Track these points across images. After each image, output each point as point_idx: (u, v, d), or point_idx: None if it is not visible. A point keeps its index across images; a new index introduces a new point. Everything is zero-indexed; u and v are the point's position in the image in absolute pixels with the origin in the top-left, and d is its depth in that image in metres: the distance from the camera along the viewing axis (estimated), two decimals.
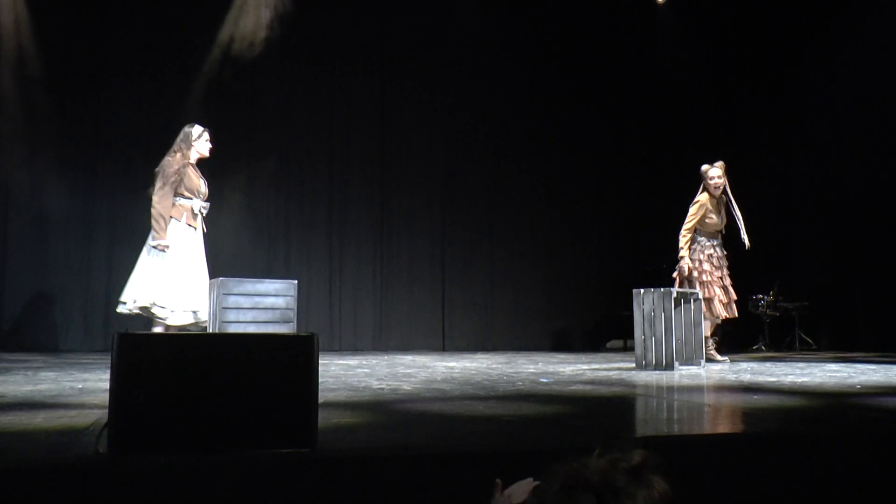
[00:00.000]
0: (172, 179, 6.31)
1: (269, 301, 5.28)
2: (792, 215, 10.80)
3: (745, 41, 11.10)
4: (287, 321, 5.27)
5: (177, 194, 6.35)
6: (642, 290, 6.51)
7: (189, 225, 6.28)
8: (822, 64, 10.41)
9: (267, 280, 5.55)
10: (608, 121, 10.97)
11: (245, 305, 5.22)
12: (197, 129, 6.61)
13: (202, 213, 6.49)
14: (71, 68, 8.94)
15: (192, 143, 6.51)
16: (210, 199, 6.80)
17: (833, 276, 10.17)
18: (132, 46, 9.10)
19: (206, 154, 6.63)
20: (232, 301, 5.16)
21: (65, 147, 8.85)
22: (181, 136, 6.59)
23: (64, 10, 8.97)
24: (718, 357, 7.16)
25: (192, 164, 6.52)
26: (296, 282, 5.56)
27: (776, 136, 11.00)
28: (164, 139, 9.09)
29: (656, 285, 9.81)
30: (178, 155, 6.47)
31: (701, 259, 7.25)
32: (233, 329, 5.02)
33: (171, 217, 6.23)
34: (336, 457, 2.43)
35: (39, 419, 3.10)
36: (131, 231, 8.94)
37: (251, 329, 5.08)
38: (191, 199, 6.37)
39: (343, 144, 10.07)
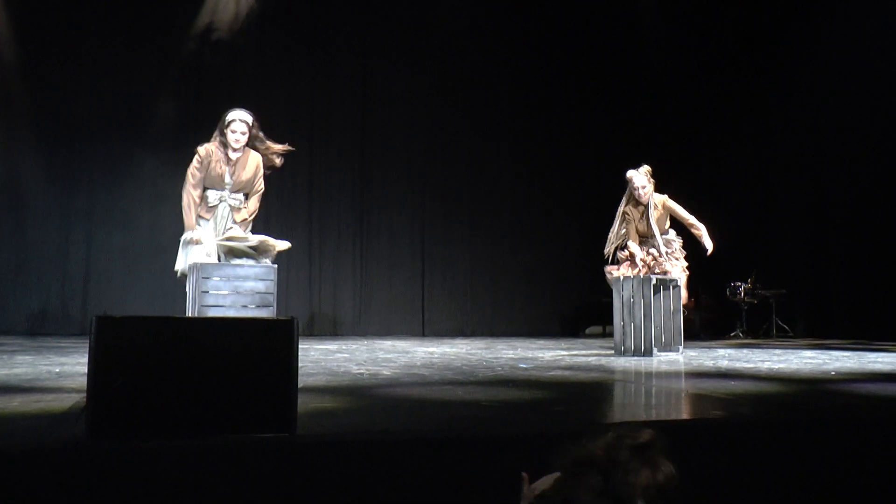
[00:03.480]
0: (190, 170, 5.82)
1: (249, 285, 5.23)
2: (770, 204, 10.88)
3: (727, 32, 11.13)
4: (266, 305, 5.22)
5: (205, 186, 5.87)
6: (622, 277, 6.54)
7: (200, 216, 5.81)
8: (802, 56, 10.45)
9: (246, 264, 5.47)
10: (589, 108, 10.97)
11: (224, 290, 5.17)
12: (227, 116, 5.95)
13: (225, 205, 5.92)
14: (47, 49, 8.84)
15: (224, 130, 5.91)
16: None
17: (810, 265, 10.25)
18: (110, 26, 9.01)
19: (233, 144, 5.90)
20: (211, 285, 5.11)
21: (41, 129, 8.76)
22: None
23: None
24: None
25: (223, 152, 5.87)
26: (275, 266, 5.51)
27: (755, 127, 11.06)
28: (142, 120, 9.06)
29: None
30: (213, 143, 5.90)
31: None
32: (212, 314, 4.98)
33: (196, 213, 5.79)
34: (315, 441, 2.43)
35: (15, 404, 3.08)
36: (109, 213, 8.90)
37: (231, 313, 5.04)
38: (212, 189, 5.86)
39: (324, 128, 10.02)
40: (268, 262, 5.53)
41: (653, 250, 6.91)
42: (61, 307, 8.74)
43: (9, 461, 2.10)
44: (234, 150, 5.93)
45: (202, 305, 5.02)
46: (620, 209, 7.09)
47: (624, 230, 7.01)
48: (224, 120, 5.95)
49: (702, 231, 6.95)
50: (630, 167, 10.85)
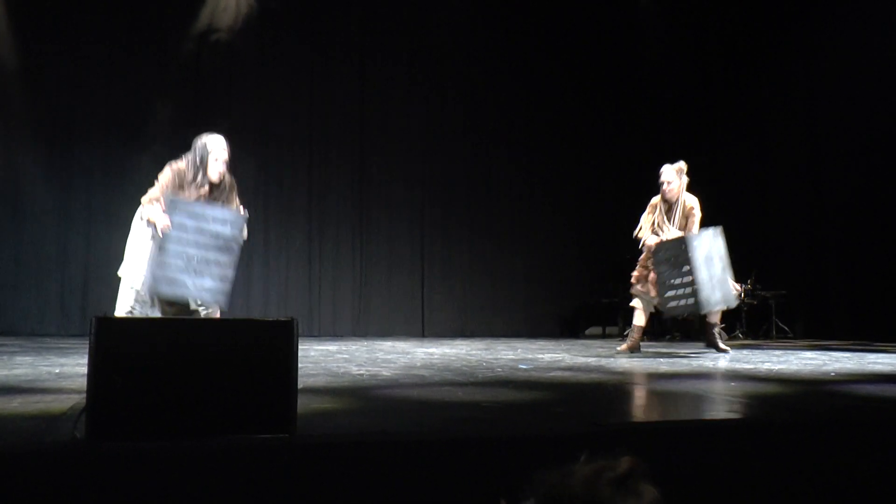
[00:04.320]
0: (162, 184, 5.11)
1: (214, 228, 4.89)
2: (769, 206, 10.88)
3: (726, 33, 11.14)
4: (229, 251, 4.90)
5: None
6: (692, 235, 6.42)
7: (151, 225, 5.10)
8: (801, 58, 10.46)
9: (217, 206, 5.08)
10: (588, 110, 10.97)
11: (189, 226, 4.86)
12: (207, 143, 5.19)
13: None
14: (45, 49, 8.84)
15: (205, 160, 5.17)
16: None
17: (809, 266, 10.26)
18: (109, 26, 9.01)
19: (214, 178, 5.20)
20: (176, 221, 4.84)
21: (40, 129, 8.76)
22: (194, 147, 5.22)
23: None
24: (721, 345, 6.78)
25: (200, 183, 5.17)
26: (246, 214, 5.13)
27: (755, 128, 11.06)
28: (141, 120, 9.06)
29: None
30: (183, 166, 5.17)
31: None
32: (172, 249, 4.77)
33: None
34: (315, 442, 2.43)
35: (15, 404, 3.07)
36: (108, 215, 8.89)
37: (191, 252, 4.89)
38: None
39: (323, 129, 10.02)
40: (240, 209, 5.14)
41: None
42: (61, 308, 8.74)
43: (9, 461, 2.10)
44: (215, 183, 5.22)
45: (165, 240, 4.87)
46: (652, 201, 6.81)
47: (652, 219, 6.73)
48: (205, 148, 5.19)
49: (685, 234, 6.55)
50: (628, 168, 10.91)
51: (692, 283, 6.23)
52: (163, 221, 4.90)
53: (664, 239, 6.56)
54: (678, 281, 6.33)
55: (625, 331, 10.07)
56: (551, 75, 10.89)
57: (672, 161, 6.82)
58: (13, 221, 8.65)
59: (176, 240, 4.83)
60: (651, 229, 6.74)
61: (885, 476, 2.81)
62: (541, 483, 1.27)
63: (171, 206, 4.89)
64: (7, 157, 8.64)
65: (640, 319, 6.81)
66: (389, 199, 10.25)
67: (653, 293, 6.65)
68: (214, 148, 5.20)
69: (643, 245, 6.76)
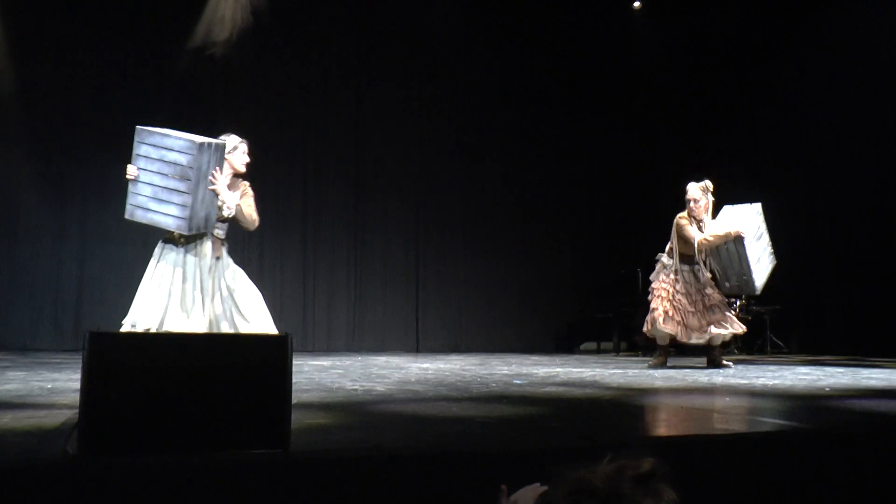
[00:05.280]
0: None
1: (173, 157, 5.14)
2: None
3: (721, 48, 11.18)
4: (186, 179, 5.09)
5: None
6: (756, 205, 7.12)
7: (167, 241, 5.39)
8: (796, 73, 10.50)
9: (173, 135, 5.25)
10: (582, 125, 11.00)
11: (153, 156, 5.14)
12: (228, 141, 5.55)
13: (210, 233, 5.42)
14: (40, 64, 8.83)
15: (226, 156, 5.48)
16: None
17: (804, 281, 10.27)
18: (104, 41, 9.02)
19: (242, 169, 5.55)
20: (143, 150, 5.17)
21: (34, 143, 8.75)
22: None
23: (32, 10, 8.85)
24: (724, 361, 6.88)
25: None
26: (199, 142, 5.20)
27: (749, 143, 11.09)
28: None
29: (630, 288, 9.89)
30: None
31: (665, 279, 6.76)
32: (141, 177, 5.07)
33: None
34: (309, 458, 2.42)
35: (7, 419, 3.06)
36: (102, 231, 8.87)
37: (156, 180, 5.08)
38: None
39: (318, 145, 10.03)
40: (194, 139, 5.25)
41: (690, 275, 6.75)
42: (54, 322, 8.70)
43: (0, 477, 2.09)
44: (241, 175, 5.56)
45: (138, 167, 5.10)
46: (676, 219, 6.77)
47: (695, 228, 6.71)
48: (224, 146, 5.49)
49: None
50: (622, 183, 10.94)
51: (768, 244, 7.15)
52: (130, 172, 5.17)
53: (747, 220, 6.91)
54: (763, 250, 7.06)
55: (620, 346, 10.09)
56: (545, 93, 10.92)
57: (675, 181, 6.96)
58: (7, 236, 8.62)
59: (144, 170, 5.09)
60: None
61: (880, 490, 2.80)
62: (564, 477, 1.29)
63: (139, 136, 5.15)
64: (2, 173, 8.62)
65: (664, 341, 6.85)
66: (384, 215, 10.25)
67: (680, 334, 6.66)
68: (236, 144, 5.60)
69: (730, 236, 6.76)
